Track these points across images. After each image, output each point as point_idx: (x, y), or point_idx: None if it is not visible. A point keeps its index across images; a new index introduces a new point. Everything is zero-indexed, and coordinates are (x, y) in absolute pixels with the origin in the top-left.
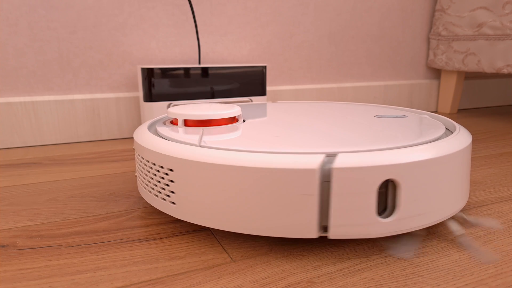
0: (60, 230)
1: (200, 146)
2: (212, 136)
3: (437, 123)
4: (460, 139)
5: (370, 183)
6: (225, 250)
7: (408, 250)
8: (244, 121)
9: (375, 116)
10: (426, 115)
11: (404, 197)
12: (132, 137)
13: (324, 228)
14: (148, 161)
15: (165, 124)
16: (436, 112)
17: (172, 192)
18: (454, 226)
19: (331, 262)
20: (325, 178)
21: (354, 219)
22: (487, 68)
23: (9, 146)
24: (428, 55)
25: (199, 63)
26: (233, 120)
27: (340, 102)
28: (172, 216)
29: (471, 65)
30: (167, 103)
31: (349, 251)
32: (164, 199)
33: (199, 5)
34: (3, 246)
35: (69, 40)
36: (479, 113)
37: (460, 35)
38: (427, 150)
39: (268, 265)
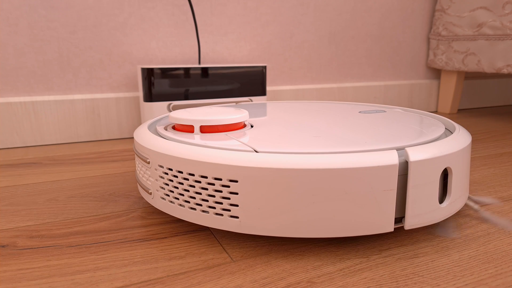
0: (60, 230)
1: (257, 152)
2: (242, 140)
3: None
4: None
5: (436, 172)
6: (225, 250)
7: (452, 230)
8: (251, 126)
9: (359, 112)
10: (398, 109)
11: (454, 182)
12: (132, 137)
13: (395, 220)
14: (192, 175)
15: (166, 129)
16: (436, 112)
17: (235, 205)
18: (471, 203)
19: (331, 262)
20: (401, 172)
21: (424, 207)
22: (487, 68)
23: (9, 146)
24: (428, 55)
25: (199, 63)
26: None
27: (321, 101)
28: (172, 216)
29: (471, 65)
30: (167, 103)
31: (349, 251)
32: (220, 214)
33: (199, 5)
34: (3, 246)
35: (69, 40)
36: (479, 113)
37: (460, 35)
38: (464, 140)
39: (268, 265)
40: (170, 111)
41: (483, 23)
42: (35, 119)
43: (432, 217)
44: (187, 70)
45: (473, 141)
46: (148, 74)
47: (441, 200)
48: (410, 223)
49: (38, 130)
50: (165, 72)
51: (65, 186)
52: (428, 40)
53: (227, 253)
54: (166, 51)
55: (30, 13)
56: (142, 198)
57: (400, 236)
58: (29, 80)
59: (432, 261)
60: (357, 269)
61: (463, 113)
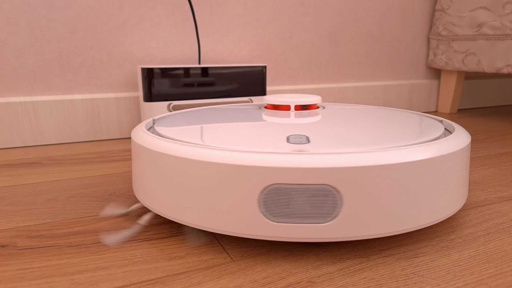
0: (60, 230)
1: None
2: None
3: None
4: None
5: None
6: (225, 250)
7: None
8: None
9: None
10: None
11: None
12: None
13: None
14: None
15: (260, 108)
16: (436, 112)
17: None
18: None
19: (331, 262)
20: None
21: None
22: (487, 68)
23: (9, 146)
24: (428, 55)
25: (199, 63)
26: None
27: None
28: None
29: (471, 65)
30: (167, 103)
31: (349, 251)
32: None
33: (199, 5)
34: (3, 246)
35: (69, 40)
36: (479, 113)
37: (460, 35)
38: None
39: (268, 265)
40: (170, 111)
41: (483, 23)
42: (35, 119)
43: None
44: (187, 70)
45: (473, 141)
46: (148, 74)
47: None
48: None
49: (38, 130)
50: (165, 72)
51: (65, 186)
52: (428, 40)
53: (227, 253)
54: (166, 51)
55: (30, 13)
56: None
57: (400, 236)
58: (29, 80)
59: (432, 261)
60: (357, 269)
61: (463, 113)
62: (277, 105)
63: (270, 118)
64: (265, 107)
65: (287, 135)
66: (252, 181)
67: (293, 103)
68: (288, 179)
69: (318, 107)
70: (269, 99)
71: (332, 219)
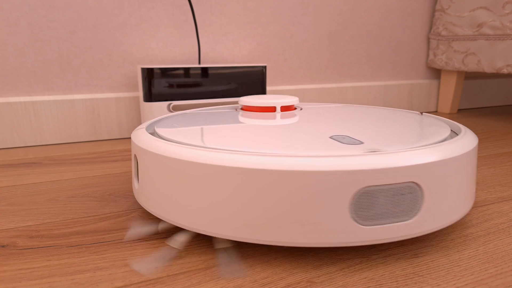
0: (60, 230)
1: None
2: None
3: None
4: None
5: None
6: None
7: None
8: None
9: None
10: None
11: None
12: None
13: None
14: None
15: (236, 110)
16: (436, 112)
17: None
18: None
19: (331, 262)
20: None
21: None
22: (487, 68)
23: (9, 146)
24: (428, 55)
25: (199, 63)
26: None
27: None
28: None
29: (471, 65)
30: (167, 103)
31: (349, 251)
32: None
33: (199, 5)
34: (3, 246)
35: (69, 40)
36: (479, 113)
37: (460, 35)
38: None
39: (268, 265)
40: (170, 111)
41: (483, 23)
42: (35, 119)
43: None
44: (187, 70)
45: None
46: (148, 74)
47: None
48: None
49: (38, 130)
50: (165, 72)
51: (65, 186)
52: (428, 40)
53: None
54: (166, 51)
55: (30, 13)
56: None
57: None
58: (29, 80)
59: (432, 261)
60: (357, 269)
61: (463, 113)
62: (260, 107)
63: (257, 121)
64: (242, 109)
65: (328, 136)
66: (342, 187)
67: (278, 104)
68: (378, 181)
69: (295, 108)
70: (249, 100)
71: (415, 215)
